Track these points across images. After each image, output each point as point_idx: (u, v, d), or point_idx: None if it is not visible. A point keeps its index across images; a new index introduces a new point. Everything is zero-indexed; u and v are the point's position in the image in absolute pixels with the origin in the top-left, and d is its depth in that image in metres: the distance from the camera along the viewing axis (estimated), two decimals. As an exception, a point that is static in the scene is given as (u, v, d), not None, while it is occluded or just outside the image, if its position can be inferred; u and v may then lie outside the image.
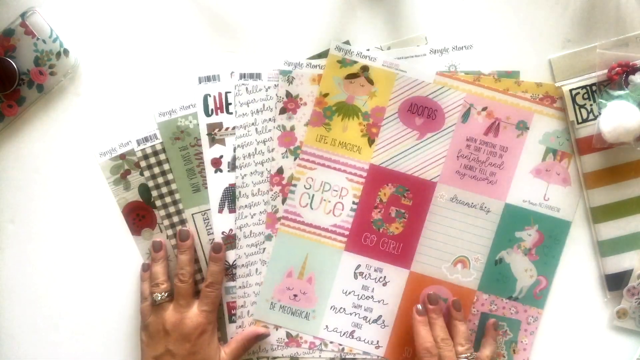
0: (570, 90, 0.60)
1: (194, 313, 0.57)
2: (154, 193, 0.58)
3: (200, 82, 0.60)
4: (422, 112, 0.64)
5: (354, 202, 0.64)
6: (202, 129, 0.60)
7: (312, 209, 0.64)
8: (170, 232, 0.59)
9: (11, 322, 0.58)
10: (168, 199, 0.58)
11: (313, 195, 0.64)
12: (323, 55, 0.60)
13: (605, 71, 0.58)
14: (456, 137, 0.64)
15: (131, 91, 0.57)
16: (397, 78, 0.63)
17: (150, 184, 0.58)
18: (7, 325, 0.58)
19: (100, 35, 0.57)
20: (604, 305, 0.59)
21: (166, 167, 0.58)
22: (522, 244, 0.64)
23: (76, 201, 0.58)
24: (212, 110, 0.60)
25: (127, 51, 0.57)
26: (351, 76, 0.63)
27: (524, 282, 0.64)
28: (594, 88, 0.59)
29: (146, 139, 0.58)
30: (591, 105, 0.60)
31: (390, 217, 0.64)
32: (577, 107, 0.60)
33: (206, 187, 0.60)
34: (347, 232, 0.64)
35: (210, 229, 0.61)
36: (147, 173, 0.58)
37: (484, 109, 0.63)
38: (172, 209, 0.58)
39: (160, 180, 0.58)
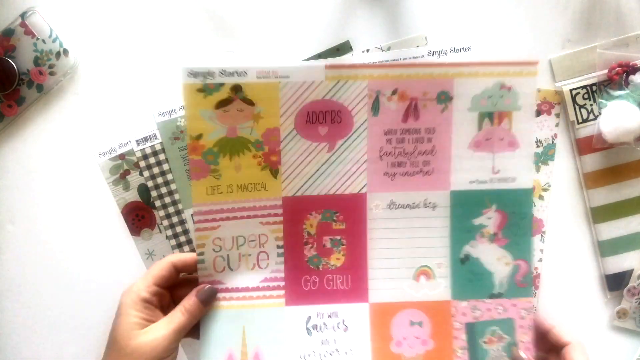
0: (571, 90, 0.59)
1: None
2: (154, 193, 0.58)
3: (197, 82, 0.57)
4: (324, 119, 0.52)
5: (278, 247, 0.53)
6: (198, 128, 0.56)
7: (231, 270, 0.52)
8: (169, 232, 0.58)
9: (11, 322, 0.58)
10: (167, 199, 0.58)
11: (228, 255, 0.52)
12: (323, 55, 0.57)
13: (605, 71, 0.58)
14: (372, 135, 0.52)
15: (131, 91, 0.57)
16: (281, 87, 0.51)
17: (150, 184, 0.58)
18: (6, 325, 0.58)
19: (100, 35, 0.57)
20: (604, 305, 0.59)
21: (166, 167, 0.57)
22: (484, 231, 0.54)
23: (76, 201, 0.58)
24: (208, 109, 0.58)
25: (127, 51, 0.57)
26: (223, 103, 0.51)
27: (501, 274, 0.55)
28: (594, 88, 0.59)
29: (146, 139, 0.57)
30: (591, 105, 0.59)
31: (325, 249, 0.53)
32: (577, 107, 0.59)
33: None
34: (282, 284, 0.53)
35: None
36: (146, 173, 0.57)
37: (394, 92, 0.52)
38: (171, 210, 0.58)
39: (160, 180, 0.57)
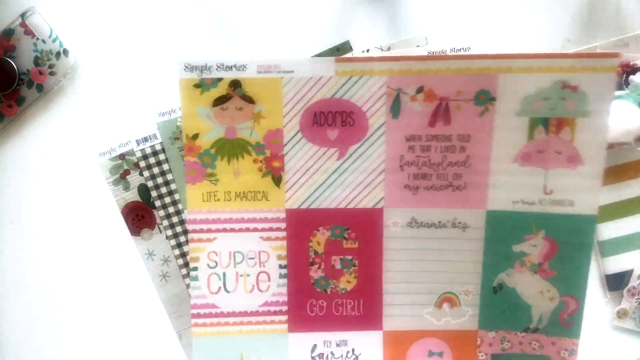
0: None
1: None
2: (154, 193, 0.57)
3: (197, 82, 0.56)
4: (333, 121, 0.44)
5: (281, 266, 0.47)
6: (199, 128, 0.56)
7: (227, 292, 0.47)
8: (169, 232, 0.57)
9: (11, 322, 0.59)
10: (167, 199, 0.57)
11: (224, 273, 0.47)
12: (322, 55, 0.53)
13: (609, 71, 0.49)
14: (391, 141, 0.44)
15: (131, 91, 0.57)
16: (285, 84, 0.44)
17: (150, 184, 0.57)
18: (6, 325, 0.59)
19: (100, 35, 0.57)
20: (604, 305, 0.56)
21: (166, 167, 0.57)
22: (526, 260, 0.46)
23: (76, 201, 0.58)
24: (209, 109, 0.56)
25: (127, 51, 0.57)
26: (221, 100, 0.45)
27: (542, 308, 0.47)
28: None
29: (146, 139, 0.57)
30: (594, 105, 0.51)
31: (334, 270, 0.47)
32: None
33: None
34: (285, 308, 0.47)
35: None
36: (146, 173, 0.57)
37: (419, 90, 0.43)
38: (171, 210, 0.57)
39: (160, 180, 0.57)
